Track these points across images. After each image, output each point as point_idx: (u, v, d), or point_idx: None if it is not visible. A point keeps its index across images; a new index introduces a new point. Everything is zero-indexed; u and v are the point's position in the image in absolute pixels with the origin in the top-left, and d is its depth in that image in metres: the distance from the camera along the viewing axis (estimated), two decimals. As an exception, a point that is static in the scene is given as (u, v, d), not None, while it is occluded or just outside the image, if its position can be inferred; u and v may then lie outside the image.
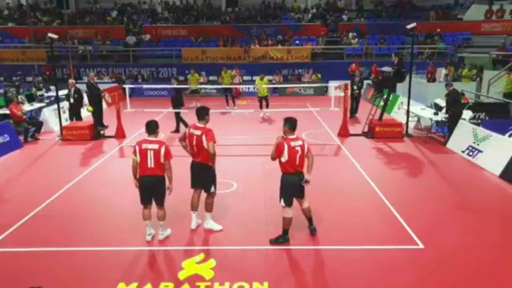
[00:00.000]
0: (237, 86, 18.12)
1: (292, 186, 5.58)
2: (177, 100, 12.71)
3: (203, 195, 6.13)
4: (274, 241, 5.74)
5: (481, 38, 22.23)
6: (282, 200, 5.61)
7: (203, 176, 5.99)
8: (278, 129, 13.25)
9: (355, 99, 15.16)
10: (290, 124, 5.57)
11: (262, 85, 15.14)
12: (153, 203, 5.81)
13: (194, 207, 6.15)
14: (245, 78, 21.66)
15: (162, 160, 5.55)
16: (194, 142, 5.87)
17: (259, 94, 15.45)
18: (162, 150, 5.54)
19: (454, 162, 9.68)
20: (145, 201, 5.75)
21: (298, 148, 5.50)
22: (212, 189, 6.06)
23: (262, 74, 15.88)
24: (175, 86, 13.08)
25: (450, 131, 10.83)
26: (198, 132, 5.86)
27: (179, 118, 12.77)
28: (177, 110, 12.61)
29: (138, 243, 5.79)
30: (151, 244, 5.80)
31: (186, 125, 12.75)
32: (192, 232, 6.11)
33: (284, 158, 5.48)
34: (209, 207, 6.15)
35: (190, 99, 17.12)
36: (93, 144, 11.53)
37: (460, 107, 11.10)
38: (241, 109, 16.30)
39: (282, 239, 5.75)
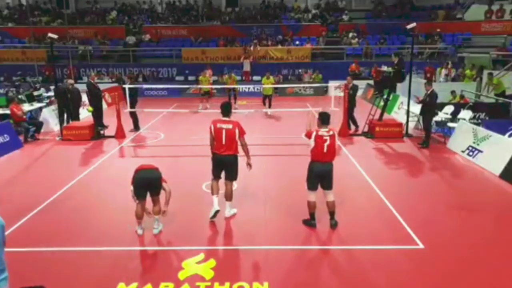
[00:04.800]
0: (240, 86, 18.10)
1: (315, 173, 5.93)
2: (134, 100, 12.68)
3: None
4: (304, 222, 6.23)
5: (481, 38, 22.24)
6: (306, 184, 6.05)
7: (234, 166, 6.32)
8: (278, 130, 13.13)
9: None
10: (322, 117, 5.96)
11: (268, 83, 15.67)
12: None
13: (216, 192, 6.36)
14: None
15: None
16: (225, 136, 6.12)
17: (263, 93, 15.82)
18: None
19: (454, 162, 9.68)
20: (141, 196, 5.83)
21: (327, 138, 5.81)
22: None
23: (268, 73, 16.37)
24: (128, 85, 12.83)
25: (427, 133, 10.76)
26: (230, 126, 6.16)
27: (136, 117, 12.91)
28: (132, 110, 12.65)
29: (138, 243, 5.80)
30: (152, 244, 5.81)
31: (137, 125, 12.97)
32: (193, 231, 6.13)
33: (311, 145, 5.87)
34: (231, 196, 6.49)
35: (201, 100, 16.80)
36: (93, 144, 11.53)
37: (433, 112, 10.71)
38: (242, 109, 16.27)
39: (308, 222, 6.19)
